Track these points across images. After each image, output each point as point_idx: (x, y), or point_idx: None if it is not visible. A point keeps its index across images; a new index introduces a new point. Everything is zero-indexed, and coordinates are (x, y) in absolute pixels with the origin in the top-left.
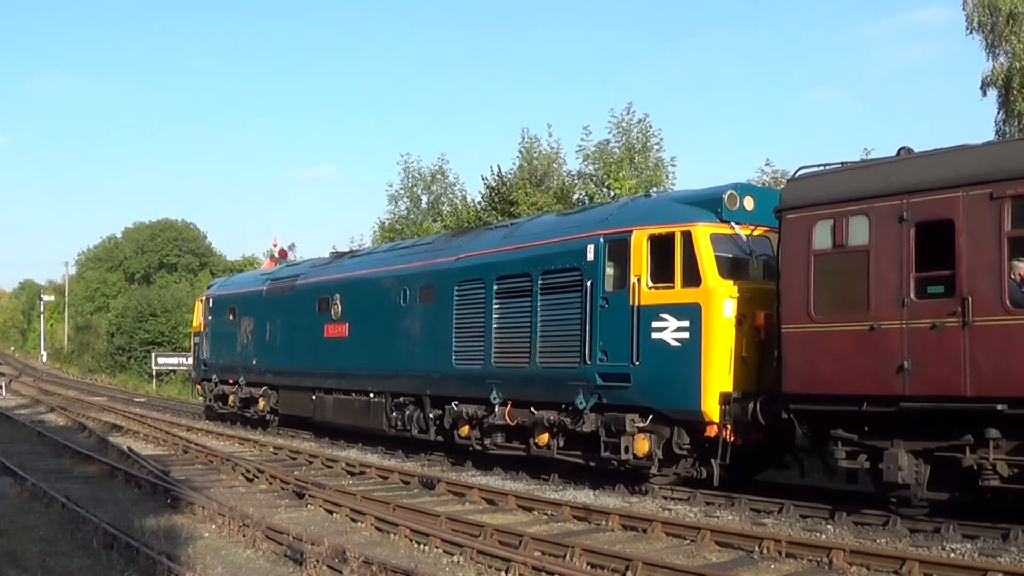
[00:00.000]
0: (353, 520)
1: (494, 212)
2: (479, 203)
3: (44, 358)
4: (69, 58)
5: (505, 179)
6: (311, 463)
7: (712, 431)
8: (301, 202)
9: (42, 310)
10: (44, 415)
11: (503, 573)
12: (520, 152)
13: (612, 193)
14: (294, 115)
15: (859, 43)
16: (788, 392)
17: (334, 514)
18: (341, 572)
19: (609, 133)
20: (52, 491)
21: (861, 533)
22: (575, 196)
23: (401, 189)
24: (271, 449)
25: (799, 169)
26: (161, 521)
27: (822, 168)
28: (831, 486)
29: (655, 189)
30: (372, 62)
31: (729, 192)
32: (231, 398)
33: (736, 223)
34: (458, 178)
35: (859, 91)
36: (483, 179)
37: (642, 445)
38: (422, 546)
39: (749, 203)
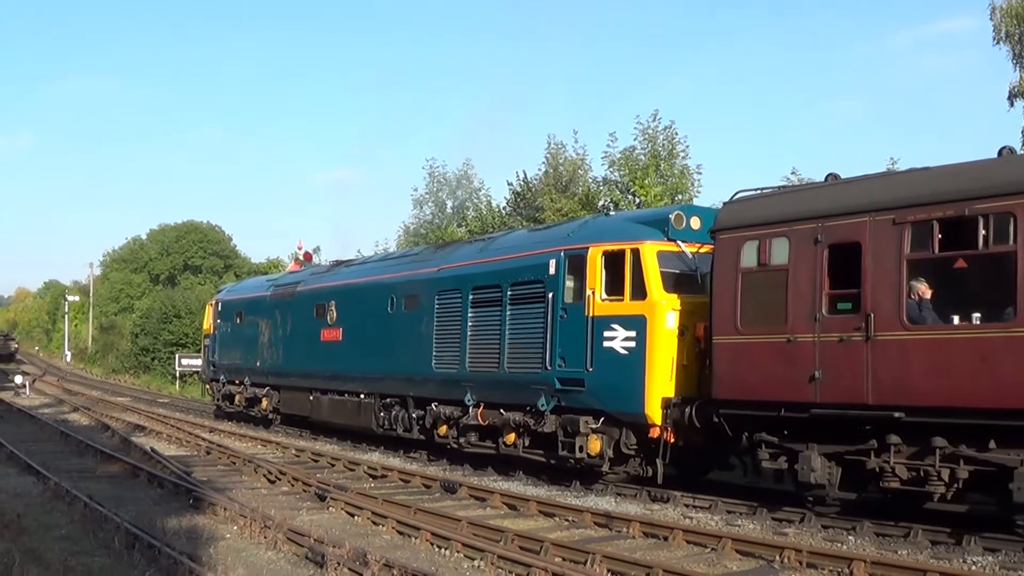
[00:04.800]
0: (374, 523)
1: (519, 217)
2: (504, 208)
3: (68, 358)
4: (96, 60)
5: (530, 184)
6: (333, 465)
7: (655, 433)
8: (327, 205)
9: (67, 310)
10: (68, 414)
11: None
12: (546, 158)
13: (637, 200)
14: (321, 118)
15: (883, 54)
16: (718, 398)
17: (356, 517)
18: (362, 575)
19: (635, 140)
20: (75, 490)
21: (882, 544)
22: (600, 203)
23: (426, 193)
24: (293, 451)
25: (737, 193)
26: (183, 521)
27: (758, 192)
28: (761, 485)
29: (680, 196)
30: (398, 65)
31: (676, 213)
32: (237, 398)
33: (683, 241)
34: (483, 183)
35: (885, 101)
36: (508, 184)
37: (595, 445)
38: (443, 550)
39: (696, 223)
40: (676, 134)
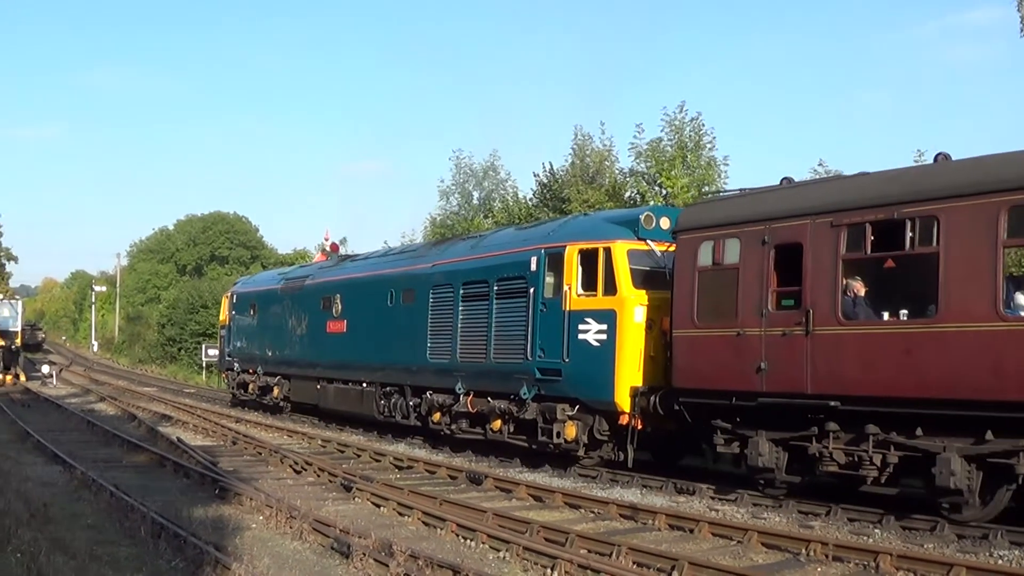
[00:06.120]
0: (400, 514)
1: (546, 209)
2: (530, 200)
3: (95, 348)
4: (123, 51)
5: (557, 176)
6: (359, 456)
7: (624, 420)
8: (354, 196)
9: (94, 300)
10: (94, 404)
11: (549, 570)
12: (572, 149)
13: (664, 191)
14: (347, 108)
15: (911, 44)
16: (678, 387)
17: (381, 508)
18: (387, 565)
19: (661, 131)
20: (101, 480)
21: (908, 538)
22: (627, 194)
23: (453, 185)
24: (319, 442)
25: (703, 195)
26: (209, 511)
27: (720, 195)
28: (721, 468)
29: (706, 188)
30: (422, 56)
31: (646, 214)
32: (251, 386)
33: (653, 240)
34: (510, 174)
35: (913, 92)
36: (535, 176)
37: (570, 431)
38: (468, 541)
39: (665, 223)
40: (703, 125)
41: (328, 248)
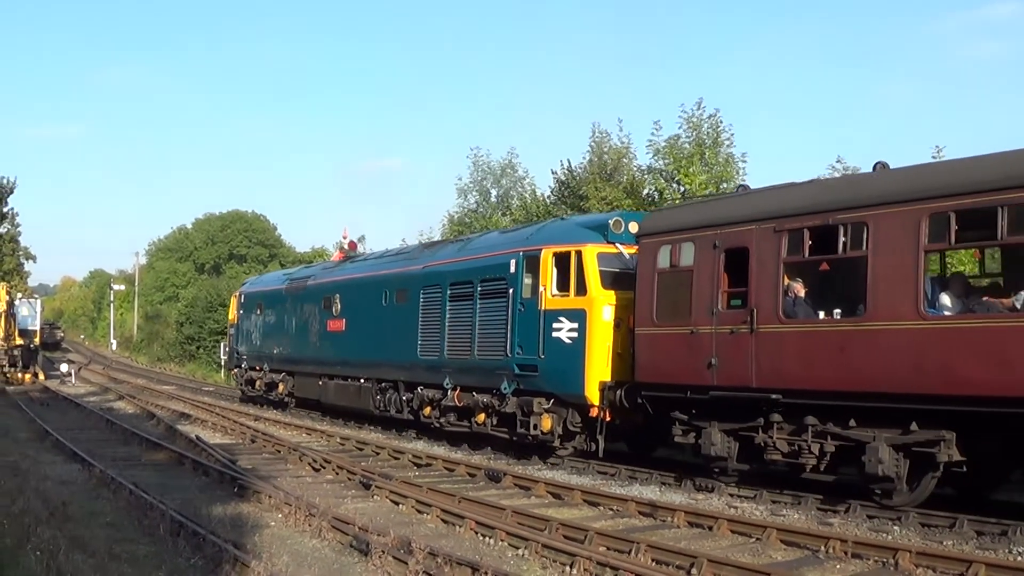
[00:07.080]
0: (419, 512)
1: (563, 206)
2: (548, 197)
3: (114, 346)
4: (136, 49)
5: (575, 173)
6: (378, 454)
7: (594, 412)
8: (372, 193)
9: (112, 299)
10: (113, 403)
11: (568, 567)
12: (590, 146)
13: (682, 188)
14: (363, 107)
15: (933, 38)
16: (640, 382)
17: (400, 505)
18: (406, 563)
19: (679, 128)
20: (120, 478)
21: (927, 535)
22: (645, 191)
23: (471, 183)
24: (338, 439)
25: (669, 202)
26: (228, 509)
27: (681, 203)
28: (687, 459)
29: (725, 184)
30: (441, 54)
31: (614, 219)
32: (257, 383)
33: (621, 244)
34: (528, 172)
35: (935, 86)
36: (553, 173)
37: (546, 423)
38: (487, 539)
39: (633, 227)
40: (721, 122)
41: (346, 246)
